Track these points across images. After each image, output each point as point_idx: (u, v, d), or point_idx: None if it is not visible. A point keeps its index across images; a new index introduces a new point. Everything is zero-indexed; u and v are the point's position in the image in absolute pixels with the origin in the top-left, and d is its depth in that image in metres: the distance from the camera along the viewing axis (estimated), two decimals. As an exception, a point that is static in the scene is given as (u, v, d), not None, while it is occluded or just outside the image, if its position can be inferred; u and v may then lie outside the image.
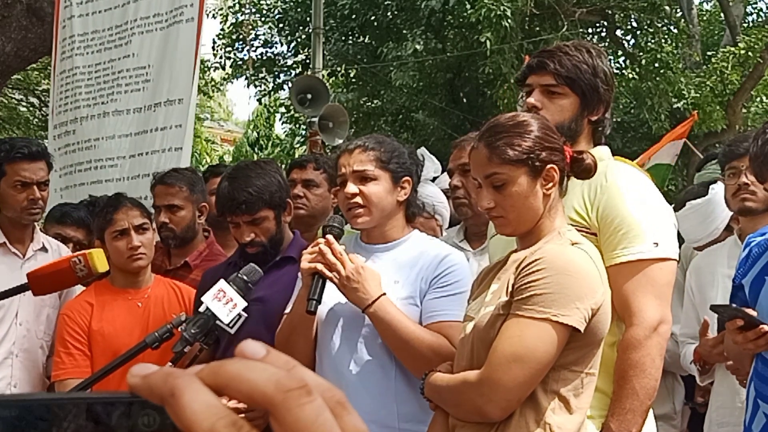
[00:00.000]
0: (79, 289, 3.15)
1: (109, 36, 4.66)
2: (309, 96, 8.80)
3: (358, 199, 2.27)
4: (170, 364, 2.14)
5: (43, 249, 3.18)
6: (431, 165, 3.60)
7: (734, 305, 2.24)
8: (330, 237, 2.23)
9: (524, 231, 1.90)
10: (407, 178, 2.35)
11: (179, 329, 2.13)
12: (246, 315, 2.21)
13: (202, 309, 2.17)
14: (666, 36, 13.03)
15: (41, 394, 0.47)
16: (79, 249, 3.57)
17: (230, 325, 2.17)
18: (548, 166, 1.85)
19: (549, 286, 1.73)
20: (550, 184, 1.87)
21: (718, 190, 3.14)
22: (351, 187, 2.28)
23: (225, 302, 2.15)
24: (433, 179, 3.66)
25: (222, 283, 2.19)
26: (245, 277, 2.24)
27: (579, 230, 2.08)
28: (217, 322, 2.14)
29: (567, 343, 1.75)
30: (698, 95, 11.80)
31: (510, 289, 1.80)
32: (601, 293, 1.78)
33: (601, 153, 2.27)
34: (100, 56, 4.67)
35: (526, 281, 1.75)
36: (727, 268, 2.90)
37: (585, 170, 1.92)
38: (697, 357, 2.82)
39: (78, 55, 4.74)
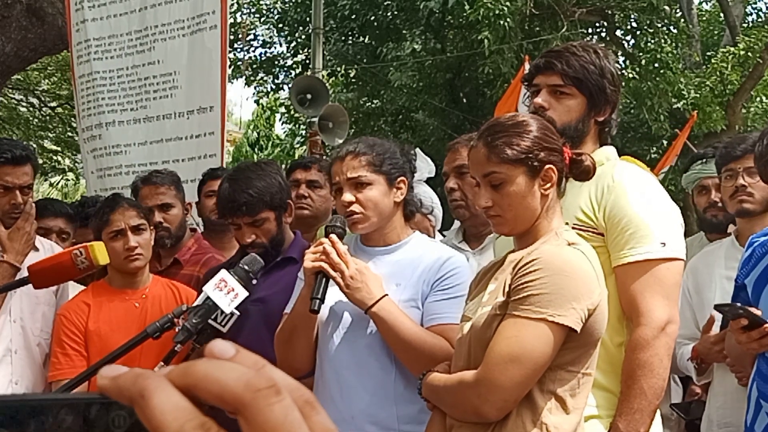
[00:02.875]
0: (73, 288, 3.14)
1: (128, 41, 4.69)
2: (309, 96, 8.80)
3: (356, 207, 2.26)
4: (162, 363, 2.13)
5: (34, 247, 3.16)
6: (425, 166, 3.59)
7: (738, 304, 2.24)
8: (334, 237, 2.23)
9: (521, 231, 1.90)
10: (402, 177, 2.33)
11: (180, 319, 2.12)
12: (238, 313, 2.20)
13: (202, 298, 2.16)
14: (666, 36, 13.03)
15: (17, 394, 0.47)
16: (64, 237, 3.59)
17: (222, 323, 2.16)
18: (546, 166, 1.85)
19: (545, 287, 1.73)
20: (548, 185, 1.87)
21: None
22: (347, 196, 2.27)
23: (226, 292, 2.14)
24: (428, 180, 3.66)
25: (223, 273, 2.18)
26: (246, 267, 2.24)
27: (586, 230, 2.08)
28: (210, 321, 2.13)
29: (563, 343, 1.75)
30: (698, 95, 11.80)
31: (507, 289, 1.79)
32: (597, 294, 1.78)
33: (608, 153, 2.27)
34: (121, 61, 4.71)
35: (523, 281, 1.75)
36: (725, 269, 2.91)
37: (584, 172, 1.92)
38: (695, 354, 2.82)
39: (97, 59, 4.77)
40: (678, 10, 13.76)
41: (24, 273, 2.80)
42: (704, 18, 16.40)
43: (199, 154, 4.33)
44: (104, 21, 4.79)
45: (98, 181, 4.69)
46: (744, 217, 2.91)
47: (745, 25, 14.63)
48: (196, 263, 3.28)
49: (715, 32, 16.41)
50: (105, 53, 4.76)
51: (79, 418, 0.43)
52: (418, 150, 3.75)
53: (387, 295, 2.18)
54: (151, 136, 4.56)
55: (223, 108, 4.37)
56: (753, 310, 2.16)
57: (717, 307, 2.33)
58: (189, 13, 4.49)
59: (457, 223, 3.44)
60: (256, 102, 17.37)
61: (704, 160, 3.35)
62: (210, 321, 2.15)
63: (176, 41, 4.53)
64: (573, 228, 2.05)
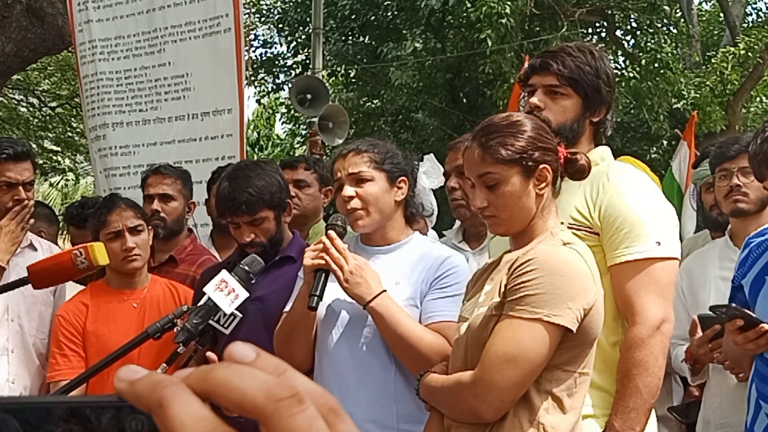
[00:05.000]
0: (72, 287, 3.14)
1: (136, 42, 4.71)
2: (309, 96, 8.79)
3: (356, 202, 2.28)
4: (165, 365, 2.13)
5: (32, 247, 3.16)
6: (437, 175, 3.61)
7: (734, 305, 2.24)
8: (332, 233, 2.24)
9: (517, 231, 1.90)
10: (403, 177, 2.35)
11: (180, 320, 2.12)
12: (240, 315, 2.21)
13: (204, 300, 2.16)
14: (666, 36, 13.03)
15: (30, 397, 0.47)
16: (44, 237, 3.58)
17: (225, 325, 2.17)
18: (541, 166, 1.86)
19: (541, 287, 1.73)
20: (543, 185, 1.87)
21: None
22: (348, 190, 2.29)
23: (227, 293, 2.15)
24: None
25: (224, 274, 2.18)
26: (247, 268, 2.24)
27: (581, 230, 2.08)
28: (212, 322, 2.13)
29: (560, 343, 1.75)
30: (698, 95, 11.80)
31: (502, 289, 1.80)
32: (593, 293, 1.78)
33: (603, 153, 2.28)
34: (129, 63, 4.73)
35: (519, 282, 1.75)
36: (719, 269, 2.91)
37: (579, 171, 1.92)
38: (688, 356, 2.82)
39: (102, 60, 4.79)
40: (678, 10, 13.75)
41: (15, 272, 2.81)
42: (704, 18, 16.39)
43: (215, 155, 4.34)
44: (110, 22, 4.81)
45: (105, 181, 4.71)
46: (738, 216, 2.91)
47: (745, 25, 14.62)
48: (192, 263, 3.28)
49: (715, 32, 16.40)
50: (111, 54, 4.78)
51: (97, 421, 0.43)
52: (432, 156, 3.77)
53: (385, 291, 2.19)
54: (162, 137, 4.60)
55: (241, 110, 4.40)
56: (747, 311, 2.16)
57: (712, 309, 2.33)
58: (200, 16, 4.51)
59: (457, 223, 3.45)
60: (258, 101, 17.37)
61: None
62: (212, 322, 2.15)
63: (188, 43, 4.55)
64: (568, 227, 2.06)
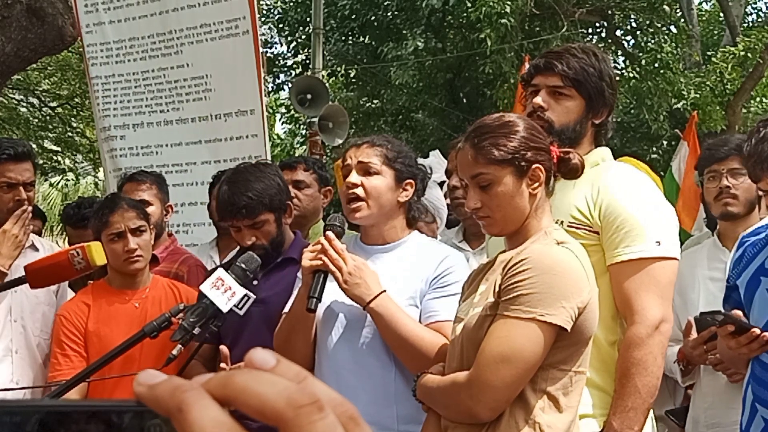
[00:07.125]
0: (69, 292, 3.14)
1: (151, 44, 4.73)
2: (309, 96, 8.79)
3: (359, 191, 2.28)
4: (180, 347, 2.10)
5: (33, 248, 3.16)
6: (441, 168, 3.61)
7: (723, 311, 2.24)
8: (330, 234, 2.24)
9: (511, 231, 1.90)
10: (410, 180, 2.35)
11: (178, 318, 2.11)
12: (254, 297, 2.20)
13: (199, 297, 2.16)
14: (666, 36, 13.03)
15: (49, 400, 0.47)
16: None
17: (239, 307, 2.15)
18: (534, 166, 1.86)
19: (535, 286, 1.73)
20: (536, 184, 1.87)
21: None
22: (353, 177, 2.29)
23: (223, 290, 2.14)
24: (441, 183, 3.68)
25: (220, 272, 2.18)
26: (243, 265, 2.24)
27: (581, 229, 2.09)
28: (219, 307, 2.12)
29: (554, 342, 1.76)
30: (698, 95, 11.81)
31: (497, 289, 1.80)
32: (587, 292, 1.78)
33: (603, 154, 2.28)
34: (146, 64, 4.75)
35: (513, 281, 1.76)
36: (708, 269, 2.91)
37: (572, 170, 1.92)
38: (681, 356, 2.82)
39: (119, 62, 4.81)
40: (678, 10, 13.76)
41: (18, 273, 2.80)
42: (704, 18, 16.40)
43: (242, 155, 4.34)
44: (122, 24, 4.82)
45: (114, 182, 4.72)
46: (728, 219, 2.91)
47: (745, 25, 14.63)
48: (173, 261, 3.34)
49: (715, 32, 16.41)
50: (127, 56, 4.80)
51: (118, 424, 0.43)
52: (437, 152, 3.77)
53: (385, 291, 2.19)
54: (187, 137, 4.62)
55: (263, 111, 4.44)
56: (738, 313, 2.16)
57: (702, 315, 2.34)
58: (215, 18, 4.53)
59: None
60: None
61: None
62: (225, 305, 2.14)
63: (205, 45, 4.58)
64: (569, 226, 2.07)
